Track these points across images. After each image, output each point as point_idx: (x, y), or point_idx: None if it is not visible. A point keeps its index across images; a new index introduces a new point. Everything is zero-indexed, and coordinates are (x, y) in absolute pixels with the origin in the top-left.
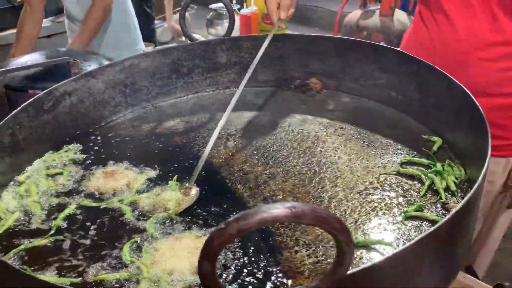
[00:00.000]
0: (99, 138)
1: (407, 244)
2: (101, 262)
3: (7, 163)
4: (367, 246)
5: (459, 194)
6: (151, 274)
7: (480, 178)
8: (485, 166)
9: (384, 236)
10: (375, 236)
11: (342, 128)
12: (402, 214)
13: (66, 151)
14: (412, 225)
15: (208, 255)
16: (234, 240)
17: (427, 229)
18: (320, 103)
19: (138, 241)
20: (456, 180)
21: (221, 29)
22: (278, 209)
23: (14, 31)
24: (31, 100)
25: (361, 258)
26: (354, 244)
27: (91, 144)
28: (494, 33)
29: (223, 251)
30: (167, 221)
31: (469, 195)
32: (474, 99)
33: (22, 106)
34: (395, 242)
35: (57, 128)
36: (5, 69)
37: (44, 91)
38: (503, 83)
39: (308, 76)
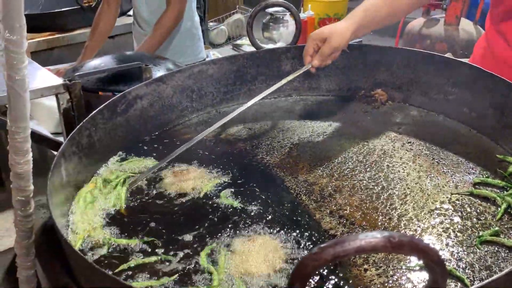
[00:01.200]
0: (166, 141)
1: (500, 274)
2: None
3: (84, 164)
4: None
5: None
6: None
7: None
8: None
9: (459, 257)
10: (449, 259)
11: (410, 142)
12: (477, 238)
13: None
14: (488, 250)
15: (300, 278)
16: (327, 265)
17: (504, 255)
18: (385, 115)
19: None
20: None
21: (276, 34)
22: (377, 239)
23: (81, 31)
24: (106, 102)
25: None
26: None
27: (159, 146)
28: None
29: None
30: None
31: None
32: None
33: (98, 108)
34: (470, 267)
35: (128, 130)
36: (85, 72)
37: (118, 95)
38: None
39: (373, 87)
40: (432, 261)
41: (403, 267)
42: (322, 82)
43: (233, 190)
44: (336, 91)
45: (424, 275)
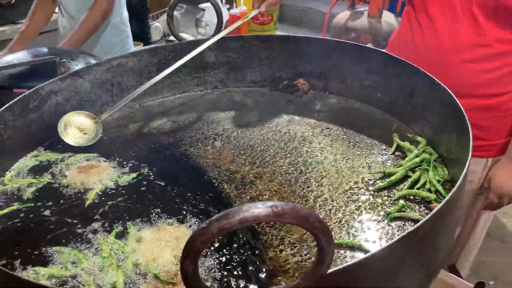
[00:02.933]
0: None
1: (388, 242)
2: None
3: None
4: (342, 245)
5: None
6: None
7: (461, 178)
8: (466, 167)
9: (368, 235)
10: (359, 235)
11: (328, 128)
12: (386, 214)
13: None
14: (396, 224)
15: (190, 254)
16: (215, 239)
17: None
18: (307, 103)
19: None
20: (440, 179)
21: (210, 29)
22: (259, 209)
23: (2, 28)
24: (16, 98)
25: (344, 257)
26: (334, 243)
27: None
28: (475, 36)
29: (209, 250)
30: (153, 215)
31: (450, 194)
32: (457, 100)
33: (7, 104)
34: (378, 241)
35: (43, 127)
36: None
37: (30, 90)
38: (484, 84)
39: (295, 77)
40: (315, 228)
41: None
42: (247, 73)
43: (146, 183)
44: (260, 82)
45: (339, 253)
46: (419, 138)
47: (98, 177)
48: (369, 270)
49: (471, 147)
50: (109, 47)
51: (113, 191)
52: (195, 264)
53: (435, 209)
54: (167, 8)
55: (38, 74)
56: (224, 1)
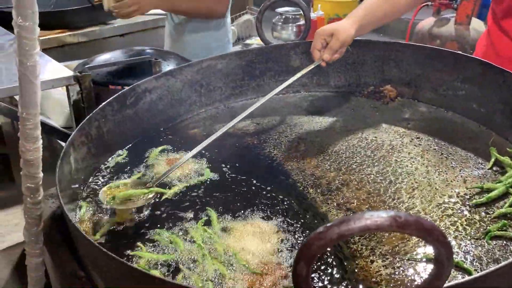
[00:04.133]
0: (174, 134)
1: (503, 263)
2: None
3: (92, 154)
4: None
5: None
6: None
7: None
8: None
9: (466, 253)
10: (456, 252)
11: (418, 138)
12: (485, 232)
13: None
14: (497, 244)
15: (305, 257)
16: (333, 244)
17: None
18: (395, 111)
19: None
20: None
21: (285, 34)
22: (382, 218)
23: (92, 29)
24: (116, 95)
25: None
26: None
27: (165, 140)
28: None
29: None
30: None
31: None
32: None
33: (108, 100)
34: (477, 260)
35: (137, 123)
36: (94, 64)
37: (128, 87)
38: None
39: (382, 83)
40: (437, 241)
41: (410, 259)
42: (331, 78)
43: (230, 180)
44: (345, 87)
45: (430, 267)
46: None
47: (183, 171)
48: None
49: None
50: (209, 51)
51: (198, 185)
52: (309, 267)
53: None
54: (244, 11)
55: (132, 72)
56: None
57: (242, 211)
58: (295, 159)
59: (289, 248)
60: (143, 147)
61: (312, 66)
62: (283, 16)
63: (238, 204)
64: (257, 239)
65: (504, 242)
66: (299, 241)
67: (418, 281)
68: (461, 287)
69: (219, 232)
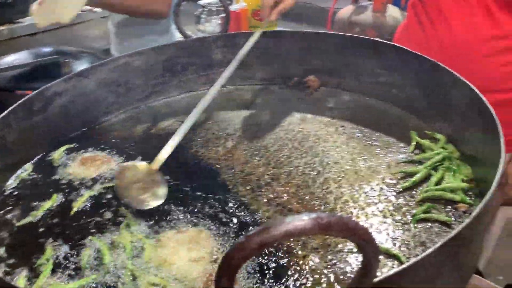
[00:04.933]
0: (91, 139)
1: (433, 247)
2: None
3: None
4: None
5: (469, 193)
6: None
7: (496, 177)
8: (501, 166)
9: (394, 238)
10: (383, 238)
11: (343, 126)
12: (411, 216)
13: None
14: (422, 226)
15: (227, 271)
16: (255, 254)
17: (437, 230)
18: (319, 101)
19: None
20: (465, 178)
21: (209, 26)
22: (304, 221)
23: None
24: (20, 101)
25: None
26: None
27: (83, 145)
28: (492, 29)
29: None
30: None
31: (488, 195)
32: (482, 96)
33: (11, 108)
34: (405, 245)
35: (48, 130)
36: None
37: (34, 92)
38: (504, 78)
39: (306, 74)
40: (362, 240)
41: (341, 251)
42: (256, 71)
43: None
44: (270, 80)
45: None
46: (438, 136)
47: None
48: (411, 277)
49: (502, 145)
50: None
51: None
52: (232, 281)
53: (474, 213)
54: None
55: (41, 75)
56: None
57: (169, 217)
58: (224, 157)
59: (221, 251)
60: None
61: (263, 28)
62: (206, 9)
63: (164, 208)
64: (190, 246)
65: (429, 224)
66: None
67: (351, 272)
68: (388, 279)
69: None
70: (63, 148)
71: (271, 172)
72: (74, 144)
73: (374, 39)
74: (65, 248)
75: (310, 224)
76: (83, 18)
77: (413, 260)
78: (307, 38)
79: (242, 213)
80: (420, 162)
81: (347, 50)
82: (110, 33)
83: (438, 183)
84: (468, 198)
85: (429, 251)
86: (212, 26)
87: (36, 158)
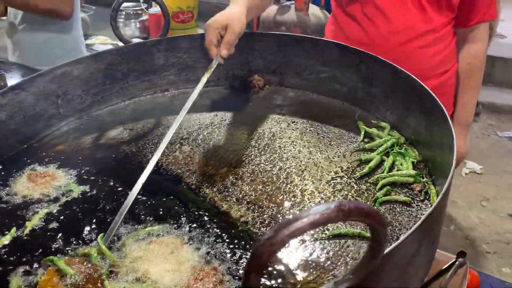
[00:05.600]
0: (35, 155)
1: (417, 224)
2: None
3: None
4: (343, 235)
5: (421, 174)
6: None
7: (454, 157)
8: (455, 144)
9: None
10: (355, 223)
11: (294, 122)
12: (373, 199)
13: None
14: (386, 208)
15: (257, 267)
16: (283, 248)
17: (399, 210)
18: (266, 99)
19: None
20: (414, 161)
21: (129, 30)
22: (329, 210)
23: None
24: None
25: (348, 246)
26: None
27: (24, 163)
28: (425, 23)
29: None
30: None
31: (450, 175)
32: (422, 83)
33: None
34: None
35: None
36: None
37: None
38: (437, 65)
39: (250, 74)
40: (376, 223)
41: (317, 238)
42: (199, 73)
43: (115, 195)
44: (214, 82)
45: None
46: (383, 124)
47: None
48: (398, 255)
49: (451, 126)
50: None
51: (71, 204)
52: (260, 278)
53: (443, 191)
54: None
55: None
56: (142, 0)
57: (136, 228)
58: (182, 161)
59: (204, 256)
60: (4, 173)
61: (214, 67)
62: (124, 13)
63: (130, 221)
64: (170, 256)
65: (391, 205)
66: (214, 247)
67: (328, 258)
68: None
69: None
70: None
71: (234, 171)
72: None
73: (312, 37)
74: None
75: (335, 212)
76: None
77: (403, 236)
78: (246, 39)
79: (213, 215)
80: (371, 150)
81: (287, 49)
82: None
83: (391, 167)
84: (420, 178)
85: (417, 224)
86: (131, 30)
87: None
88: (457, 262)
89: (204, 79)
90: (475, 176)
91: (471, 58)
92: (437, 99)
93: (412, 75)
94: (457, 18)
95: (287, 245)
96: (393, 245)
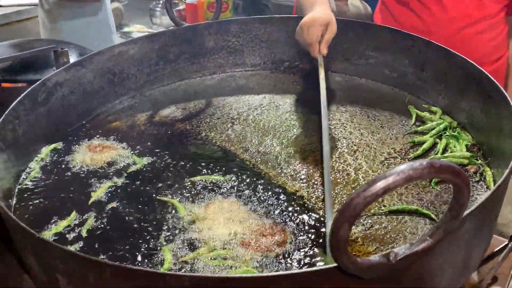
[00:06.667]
0: (94, 130)
1: (479, 200)
2: None
3: (12, 160)
4: (400, 211)
5: (475, 156)
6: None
7: None
8: None
9: (420, 199)
10: (411, 200)
11: (343, 105)
12: (429, 179)
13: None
14: (441, 188)
15: (350, 217)
16: (379, 199)
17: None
18: (313, 83)
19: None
20: (468, 144)
21: (166, 19)
22: (421, 166)
23: None
24: (26, 91)
25: (405, 222)
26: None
27: (87, 135)
28: (479, 10)
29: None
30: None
31: None
32: (480, 67)
33: (18, 99)
34: (431, 204)
35: (52, 121)
36: None
37: (37, 82)
38: (491, 52)
39: (296, 58)
40: (464, 183)
41: (375, 214)
42: (246, 57)
43: (172, 167)
44: (261, 65)
45: (393, 217)
46: (434, 108)
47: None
48: (473, 221)
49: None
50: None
51: (136, 175)
52: (351, 228)
53: (505, 174)
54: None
55: (23, 67)
56: None
57: (202, 197)
58: (235, 139)
59: (270, 216)
60: (66, 145)
61: (322, 66)
62: (160, 2)
63: (194, 190)
64: (238, 214)
65: (447, 185)
66: (271, 215)
67: (386, 232)
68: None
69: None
70: (50, 148)
71: (286, 150)
72: (63, 143)
73: (364, 21)
74: None
75: (427, 169)
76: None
77: (474, 205)
78: (296, 23)
79: (269, 189)
80: (423, 133)
81: (337, 33)
82: (40, 20)
83: (444, 149)
84: (474, 160)
85: (480, 201)
86: (168, 19)
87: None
88: (509, 245)
89: (322, 83)
90: None
91: None
92: (497, 82)
93: (468, 59)
94: (509, 6)
95: (381, 197)
96: (471, 208)
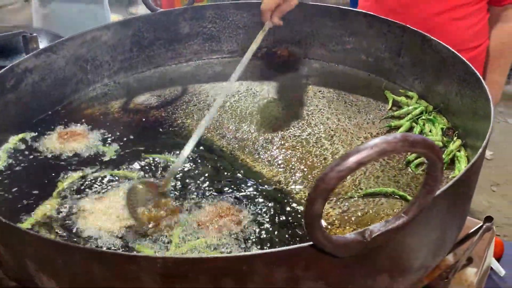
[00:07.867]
0: (66, 118)
1: (466, 167)
2: None
3: None
4: (377, 194)
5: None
6: None
7: (490, 125)
8: (492, 112)
9: (397, 182)
10: (388, 183)
11: (320, 91)
12: (405, 162)
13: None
14: (419, 171)
15: (323, 192)
16: (351, 174)
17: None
18: (290, 70)
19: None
20: (443, 127)
21: (143, 8)
22: (395, 139)
23: None
24: None
25: (382, 204)
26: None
27: (61, 124)
28: None
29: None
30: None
31: (485, 139)
32: (457, 52)
33: None
34: (408, 187)
35: (21, 109)
36: None
37: (5, 68)
38: (470, 38)
39: (274, 45)
40: (437, 157)
41: (351, 196)
42: (223, 44)
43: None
44: (238, 52)
45: (370, 200)
46: (410, 93)
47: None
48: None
49: (488, 91)
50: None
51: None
52: (323, 205)
53: (479, 152)
54: None
55: None
56: None
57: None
58: (212, 126)
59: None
60: (37, 134)
61: (266, 30)
62: None
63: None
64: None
65: (423, 167)
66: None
67: (364, 214)
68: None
69: None
70: (19, 137)
71: (264, 136)
72: (33, 132)
73: (341, 7)
74: None
75: (401, 142)
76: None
77: (451, 181)
78: None
79: (247, 175)
80: (400, 117)
81: (313, 19)
82: (33, 6)
83: (420, 133)
84: (450, 141)
85: (463, 171)
86: (144, 8)
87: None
88: (484, 226)
89: (254, 46)
90: (485, 162)
91: (504, 37)
92: (471, 65)
93: (444, 44)
94: None
95: (353, 171)
96: (447, 184)
